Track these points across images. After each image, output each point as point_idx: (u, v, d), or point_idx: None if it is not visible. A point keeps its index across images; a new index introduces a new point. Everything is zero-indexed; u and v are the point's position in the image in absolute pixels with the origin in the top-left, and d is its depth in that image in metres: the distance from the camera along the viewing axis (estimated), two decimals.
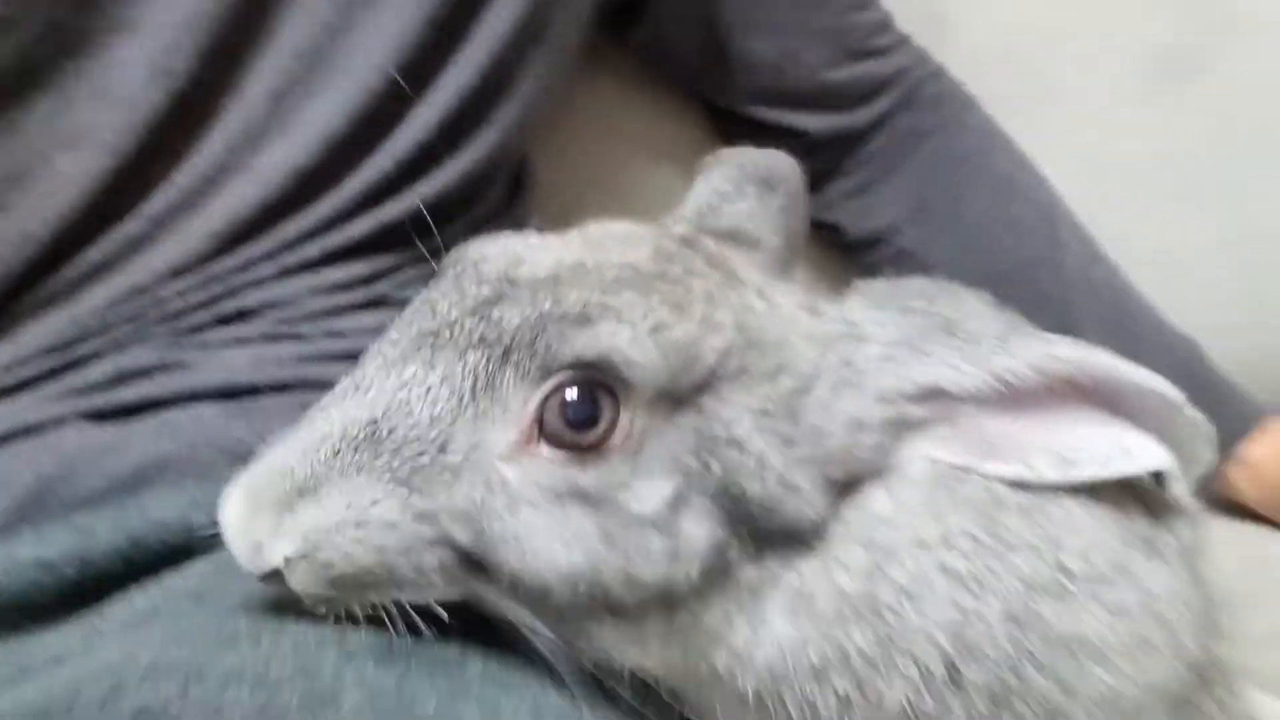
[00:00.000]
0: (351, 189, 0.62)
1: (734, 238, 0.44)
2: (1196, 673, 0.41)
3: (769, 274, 0.42)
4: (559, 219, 0.85)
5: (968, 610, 0.37)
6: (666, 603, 0.36)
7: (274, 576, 0.35)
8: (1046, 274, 0.80)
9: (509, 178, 0.75)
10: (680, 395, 0.35)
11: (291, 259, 0.61)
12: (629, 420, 0.35)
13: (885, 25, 0.83)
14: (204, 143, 0.59)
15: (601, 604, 0.35)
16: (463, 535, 0.35)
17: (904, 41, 0.84)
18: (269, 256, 0.60)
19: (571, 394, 0.34)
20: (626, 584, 0.35)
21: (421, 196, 0.64)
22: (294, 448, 0.35)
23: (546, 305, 0.35)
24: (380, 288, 0.64)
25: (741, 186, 0.48)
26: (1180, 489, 0.40)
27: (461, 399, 0.35)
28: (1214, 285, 1.01)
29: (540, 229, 0.75)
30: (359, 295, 0.63)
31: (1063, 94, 1.02)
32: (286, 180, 0.60)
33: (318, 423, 0.36)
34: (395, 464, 0.34)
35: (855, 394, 0.38)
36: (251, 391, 0.57)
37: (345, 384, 0.37)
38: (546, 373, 0.35)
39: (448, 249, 0.66)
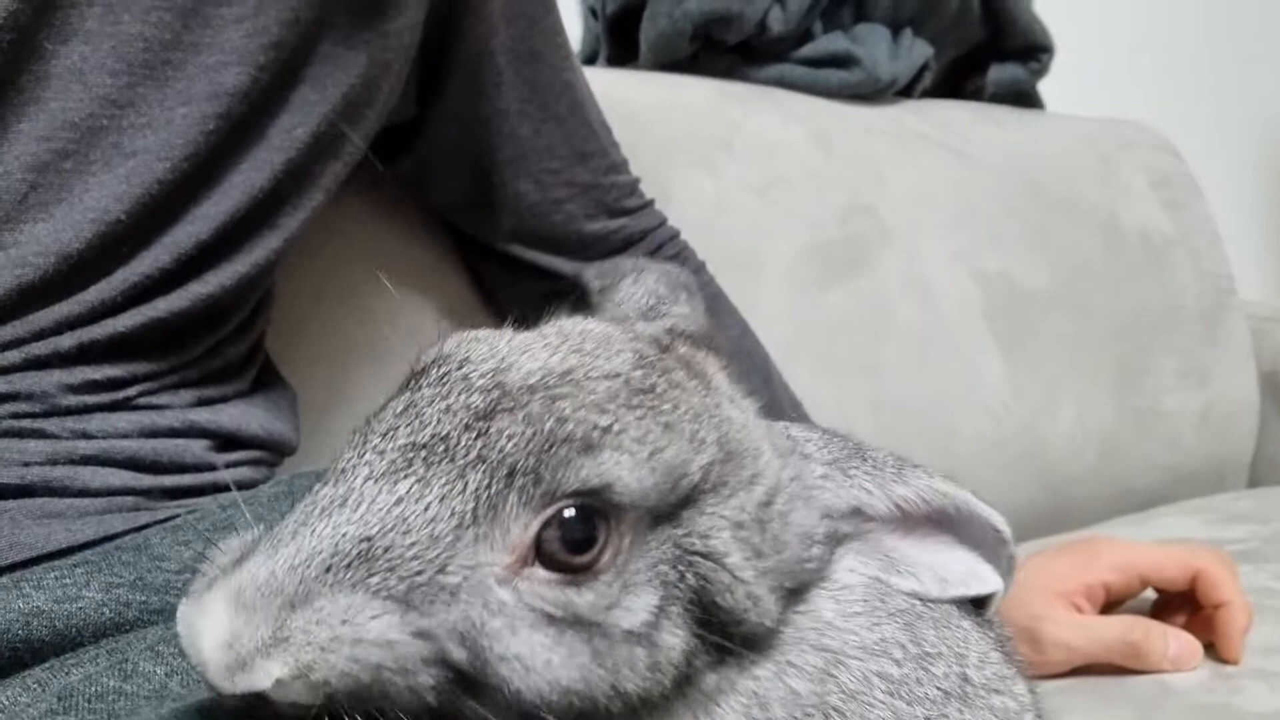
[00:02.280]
0: (123, 280, 0.57)
1: (700, 342, 0.45)
2: None
3: (732, 380, 0.44)
4: (293, 333, 0.83)
5: (901, 715, 0.40)
6: (639, 711, 0.36)
7: (249, 694, 0.32)
8: None
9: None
10: (665, 511, 0.36)
11: (42, 349, 0.54)
12: (619, 540, 0.35)
13: (635, 189, 0.90)
14: None
15: (588, 715, 0.35)
16: (459, 654, 0.33)
17: (649, 205, 0.91)
18: (16, 344, 0.53)
19: (571, 519, 0.34)
20: (612, 696, 0.35)
21: (195, 296, 0.60)
22: (280, 562, 0.32)
23: (548, 426, 0.35)
24: (129, 392, 0.58)
25: (675, 291, 0.49)
26: (994, 610, 0.46)
27: (462, 521, 0.34)
28: None
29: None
30: (105, 398, 0.57)
31: (752, 270, 1.15)
32: (50, 263, 0.54)
33: (303, 538, 0.33)
34: (392, 582, 0.33)
35: (806, 509, 0.40)
36: None
37: (325, 496, 0.34)
38: (549, 499, 0.34)
39: (201, 359, 0.62)
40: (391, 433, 0.35)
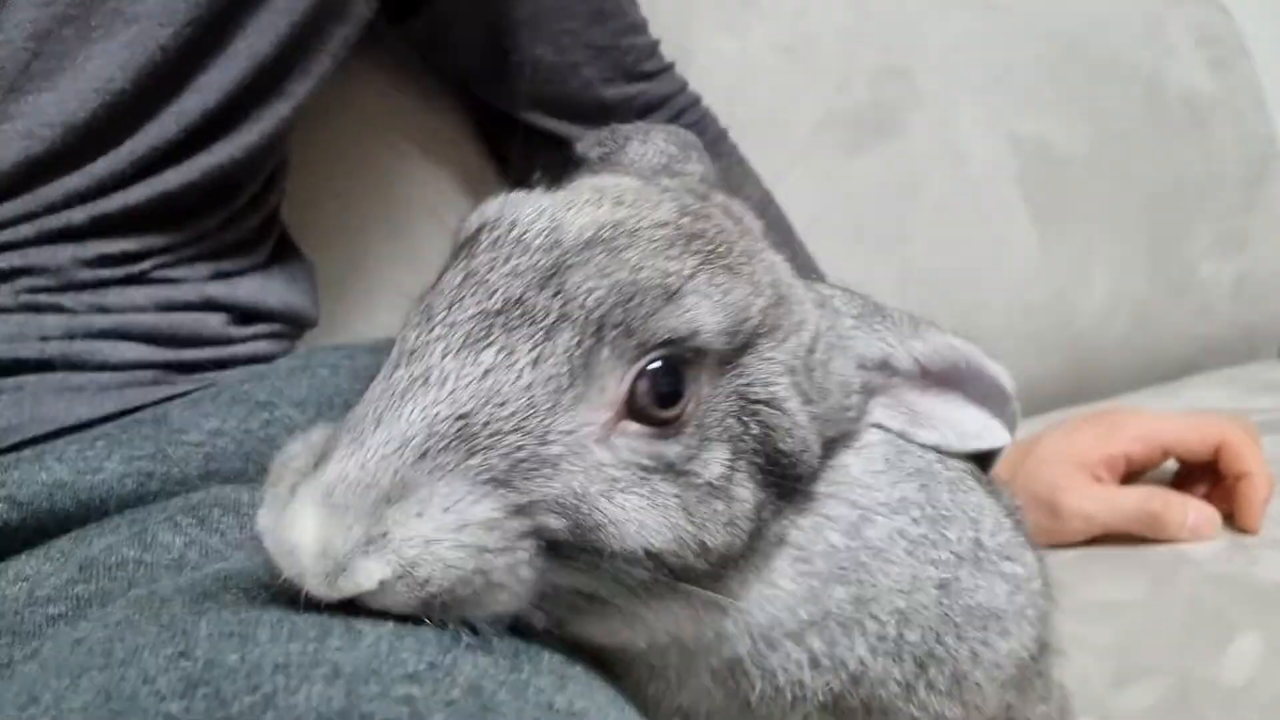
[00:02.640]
0: (131, 151, 0.56)
1: (732, 192, 0.44)
2: (1039, 644, 0.46)
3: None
4: (308, 206, 0.82)
5: (916, 575, 0.41)
6: (717, 571, 0.36)
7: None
8: None
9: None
10: (729, 358, 0.36)
11: (54, 223, 0.53)
12: (699, 391, 0.35)
13: (654, 52, 0.87)
14: None
15: (676, 575, 0.35)
16: (557, 524, 0.33)
17: (670, 68, 0.88)
18: (28, 218, 0.53)
19: (660, 369, 0.34)
20: (700, 553, 0.35)
21: (204, 168, 0.59)
22: (370, 453, 0.31)
23: (624, 277, 0.34)
24: (144, 265, 0.58)
25: (685, 150, 0.48)
26: (997, 468, 0.46)
27: (559, 385, 0.33)
28: None
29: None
30: (120, 272, 0.56)
31: (778, 137, 1.12)
32: (57, 134, 0.53)
33: (390, 424, 0.32)
34: (493, 461, 0.32)
35: (843, 358, 0.40)
36: (13, 369, 0.49)
37: (401, 379, 0.33)
38: (643, 350, 0.34)
39: (215, 232, 0.61)
40: (457, 304, 0.34)
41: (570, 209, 0.36)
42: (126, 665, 0.30)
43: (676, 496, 0.34)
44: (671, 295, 0.34)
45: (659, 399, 0.34)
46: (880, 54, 1.20)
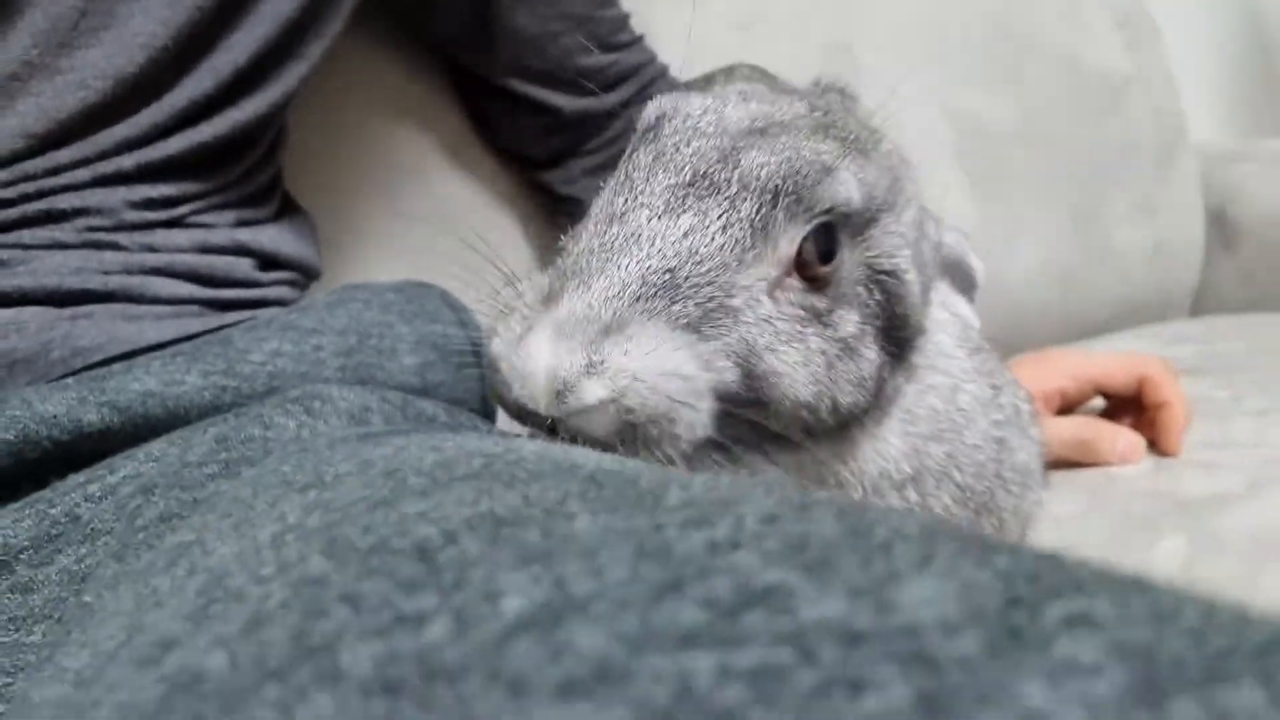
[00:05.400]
0: (171, 104, 0.60)
1: (843, 93, 0.51)
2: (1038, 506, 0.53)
3: None
4: (303, 168, 0.86)
5: (986, 432, 0.47)
6: (842, 428, 0.41)
7: (561, 420, 0.35)
8: None
9: None
10: (860, 230, 0.42)
11: (107, 168, 0.58)
12: (843, 254, 0.41)
13: (626, 23, 0.92)
14: (8, 38, 0.54)
15: (810, 431, 0.40)
16: (732, 376, 0.37)
17: (640, 40, 0.94)
18: (84, 163, 0.57)
19: (823, 232, 0.40)
20: (832, 410, 0.40)
21: (233, 122, 0.64)
22: (595, 294, 0.36)
23: (788, 154, 0.40)
24: (180, 210, 0.62)
25: (773, 84, 0.55)
26: None
27: (744, 246, 0.38)
28: None
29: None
30: (163, 215, 0.61)
31: None
32: (108, 86, 0.57)
33: (611, 273, 0.37)
34: (689, 309, 0.37)
35: (924, 235, 0.47)
36: (83, 298, 0.54)
37: (614, 236, 0.38)
38: (811, 215, 0.39)
39: (236, 183, 0.66)
40: (653, 177, 0.40)
41: (727, 104, 0.42)
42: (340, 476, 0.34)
43: (822, 353, 0.39)
44: (827, 170, 0.40)
45: (820, 257, 0.40)
46: (828, 31, 1.28)
